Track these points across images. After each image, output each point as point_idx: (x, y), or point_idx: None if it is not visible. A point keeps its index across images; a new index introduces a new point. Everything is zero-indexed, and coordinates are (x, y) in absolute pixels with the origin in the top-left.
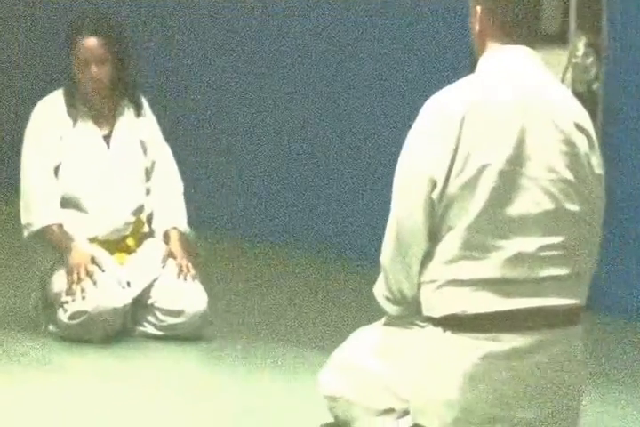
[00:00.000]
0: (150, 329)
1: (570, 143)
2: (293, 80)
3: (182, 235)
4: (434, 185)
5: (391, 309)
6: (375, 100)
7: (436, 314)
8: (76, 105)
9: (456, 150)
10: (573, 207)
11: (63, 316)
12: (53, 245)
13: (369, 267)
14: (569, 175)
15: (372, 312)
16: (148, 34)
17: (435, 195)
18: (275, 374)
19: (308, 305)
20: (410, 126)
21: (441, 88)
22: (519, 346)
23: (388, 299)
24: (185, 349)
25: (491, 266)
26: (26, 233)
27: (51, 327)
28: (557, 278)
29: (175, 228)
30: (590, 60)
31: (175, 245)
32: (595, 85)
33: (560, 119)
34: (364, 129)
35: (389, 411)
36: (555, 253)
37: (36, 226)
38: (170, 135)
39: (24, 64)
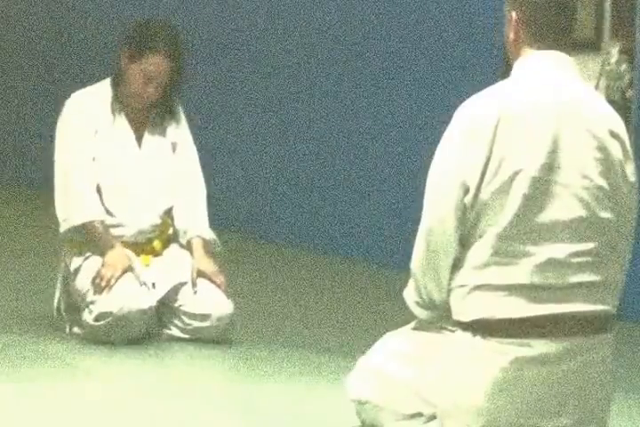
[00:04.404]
0: (176, 332)
1: (604, 150)
2: (299, 79)
3: (206, 243)
4: (466, 191)
5: (421, 313)
6: (382, 100)
7: (466, 318)
8: (118, 100)
9: (489, 156)
10: (606, 214)
11: (88, 317)
12: (94, 240)
13: (375, 268)
14: (602, 182)
15: (377, 313)
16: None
17: (467, 200)
18: (287, 377)
19: (313, 306)
20: (416, 126)
21: (448, 87)
22: (548, 352)
23: (418, 304)
24: (209, 352)
25: (521, 272)
26: (65, 227)
27: (75, 329)
28: (587, 285)
29: (199, 236)
30: (624, 66)
31: (202, 262)
32: (628, 92)
33: (594, 126)
34: (370, 129)
35: (417, 415)
36: (585, 259)
37: (78, 221)
38: None
39: (25, 64)
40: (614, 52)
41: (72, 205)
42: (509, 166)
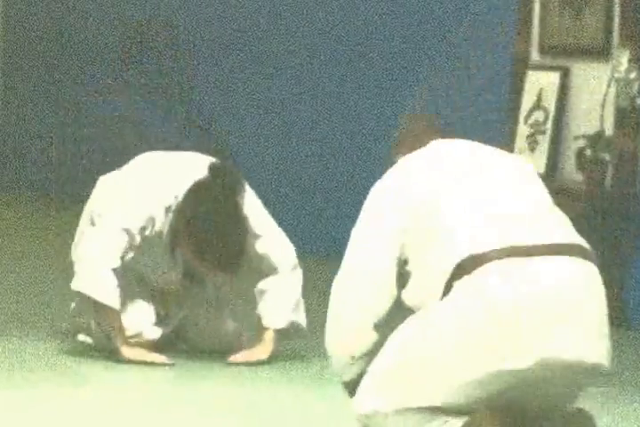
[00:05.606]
0: (182, 345)
1: (503, 154)
2: (302, 81)
3: (277, 335)
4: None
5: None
6: (385, 101)
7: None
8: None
9: (413, 206)
10: (533, 186)
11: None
12: (99, 317)
13: None
14: (516, 170)
15: None
16: (153, 33)
17: (401, 243)
18: (288, 379)
19: (315, 308)
20: None
21: (450, 88)
22: (536, 270)
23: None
24: (209, 353)
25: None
26: (74, 286)
27: (80, 337)
28: (556, 226)
29: (270, 328)
30: (634, 74)
31: (257, 351)
32: (638, 100)
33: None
34: (373, 130)
35: (435, 409)
36: (539, 215)
37: (87, 292)
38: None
39: (25, 65)
40: (624, 59)
41: (88, 277)
42: (434, 201)
